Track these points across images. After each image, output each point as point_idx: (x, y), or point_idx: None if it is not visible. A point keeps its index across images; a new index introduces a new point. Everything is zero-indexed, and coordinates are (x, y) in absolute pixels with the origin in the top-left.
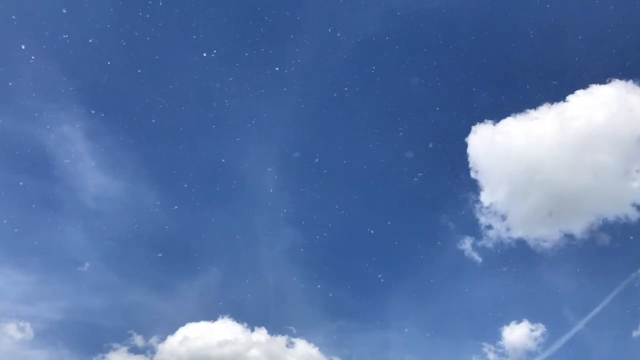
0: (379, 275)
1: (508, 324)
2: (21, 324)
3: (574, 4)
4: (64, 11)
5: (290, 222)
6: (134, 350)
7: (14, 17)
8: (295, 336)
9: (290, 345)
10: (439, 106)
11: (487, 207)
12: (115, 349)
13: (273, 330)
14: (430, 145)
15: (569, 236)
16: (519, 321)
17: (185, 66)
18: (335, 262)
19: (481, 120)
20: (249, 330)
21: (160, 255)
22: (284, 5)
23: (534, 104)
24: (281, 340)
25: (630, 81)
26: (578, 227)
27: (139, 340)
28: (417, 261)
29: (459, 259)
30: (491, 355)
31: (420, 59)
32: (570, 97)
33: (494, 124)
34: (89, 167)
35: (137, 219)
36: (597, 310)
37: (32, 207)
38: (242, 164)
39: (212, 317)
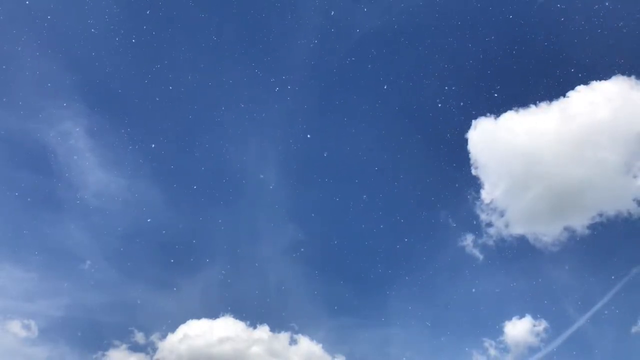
0: (380, 272)
1: (510, 319)
2: (25, 321)
3: None
4: (66, 6)
5: (292, 219)
6: (135, 347)
7: (16, 14)
8: (297, 333)
9: (293, 342)
10: (440, 101)
11: (488, 204)
12: (116, 346)
13: (275, 327)
14: (431, 142)
15: (570, 231)
16: (521, 317)
17: (186, 65)
18: (336, 259)
19: (482, 114)
20: (250, 328)
21: (161, 252)
22: (285, 3)
23: (536, 99)
24: (284, 337)
25: (633, 77)
26: (579, 223)
27: (139, 338)
28: (418, 258)
29: (460, 256)
30: (492, 351)
31: (420, 54)
32: (571, 93)
33: (495, 118)
34: (90, 164)
35: (139, 216)
36: (598, 305)
37: (34, 204)
38: (243, 162)
39: (213, 314)
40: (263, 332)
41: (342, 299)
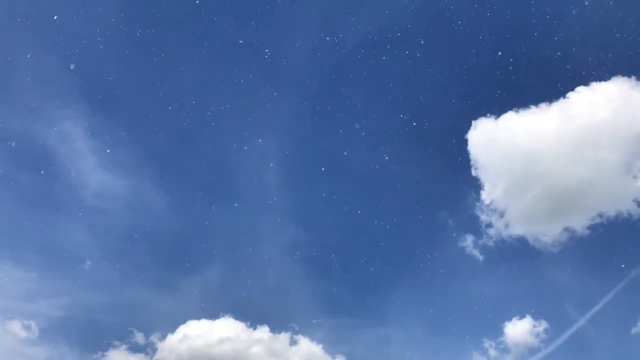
0: (381, 273)
1: (510, 320)
2: (25, 321)
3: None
4: (66, 7)
5: (292, 219)
6: (135, 347)
7: (17, 14)
8: (297, 333)
9: (293, 342)
10: (440, 102)
11: (488, 205)
12: (115, 347)
13: (275, 328)
14: (431, 143)
15: (570, 232)
16: (521, 317)
17: (186, 65)
18: (336, 259)
19: (482, 115)
20: (251, 328)
21: (161, 252)
22: (285, 3)
23: (536, 100)
24: (284, 337)
25: (633, 77)
26: (579, 223)
27: (139, 338)
28: (418, 258)
29: (460, 257)
30: (492, 352)
31: (420, 54)
32: (571, 94)
33: (495, 119)
34: (90, 164)
35: (139, 217)
36: (598, 306)
37: (34, 204)
38: (243, 162)
39: (213, 315)
40: (263, 332)
41: (342, 299)
